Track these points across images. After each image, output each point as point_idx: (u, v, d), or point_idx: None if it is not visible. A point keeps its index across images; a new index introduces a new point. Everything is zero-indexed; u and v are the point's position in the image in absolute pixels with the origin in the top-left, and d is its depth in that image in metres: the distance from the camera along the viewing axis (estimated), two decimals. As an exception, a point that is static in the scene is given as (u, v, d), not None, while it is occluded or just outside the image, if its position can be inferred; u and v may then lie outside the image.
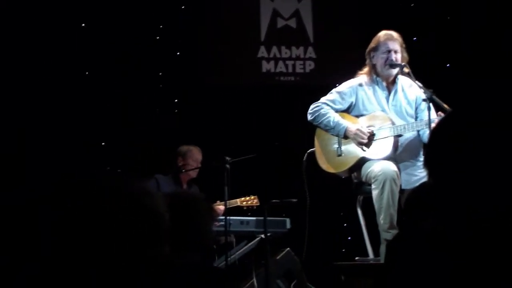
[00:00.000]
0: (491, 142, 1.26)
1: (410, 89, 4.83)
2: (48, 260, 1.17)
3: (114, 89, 6.80)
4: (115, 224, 1.25)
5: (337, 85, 4.97)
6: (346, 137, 4.75)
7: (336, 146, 4.77)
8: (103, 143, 6.76)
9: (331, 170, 4.82)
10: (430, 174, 1.32)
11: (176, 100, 7.12)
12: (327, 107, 4.79)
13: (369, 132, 4.70)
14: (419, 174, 4.60)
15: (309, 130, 4.96)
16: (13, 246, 1.13)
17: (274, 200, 5.21)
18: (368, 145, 4.68)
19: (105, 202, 1.26)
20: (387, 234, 4.38)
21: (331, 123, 4.77)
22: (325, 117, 4.77)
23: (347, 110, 4.83)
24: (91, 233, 1.22)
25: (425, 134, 4.63)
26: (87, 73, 6.72)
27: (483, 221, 1.22)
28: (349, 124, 4.76)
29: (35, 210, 1.14)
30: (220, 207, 5.62)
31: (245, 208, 5.92)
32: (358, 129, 4.70)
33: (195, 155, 6.15)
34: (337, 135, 4.78)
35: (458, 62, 7.05)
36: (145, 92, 6.91)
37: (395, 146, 4.62)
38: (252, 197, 5.91)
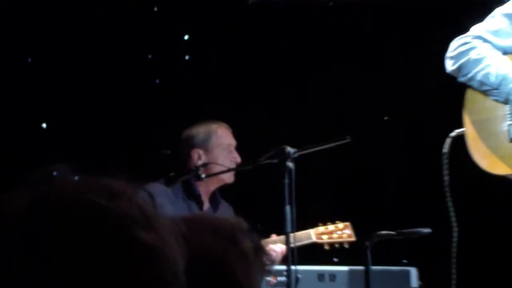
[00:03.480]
0: None
1: None
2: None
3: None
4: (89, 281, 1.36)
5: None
6: None
7: (509, 123, 4.70)
8: (43, 125, 6.62)
9: (498, 169, 4.74)
10: None
11: (186, 37, 6.89)
12: (484, 45, 4.72)
13: None
14: None
15: (451, 92, 4.79)
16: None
17: (383, 232, 5.07)
18: None
19: (70, 243, 1.37)
20: None
21: (492, 77, 4.72)
22: (479, 67, 4.72)
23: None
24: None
25: None
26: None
27: None
28: None
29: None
30: (278, 246, 5.44)
31: (327, 247, 5.73)
32: None
33: (224, 139, 5.65)
34: (506, 102, 4.67)
35: None
36: (133, 31, 6.69)
37: None
38: (341, 226, 5.73)
